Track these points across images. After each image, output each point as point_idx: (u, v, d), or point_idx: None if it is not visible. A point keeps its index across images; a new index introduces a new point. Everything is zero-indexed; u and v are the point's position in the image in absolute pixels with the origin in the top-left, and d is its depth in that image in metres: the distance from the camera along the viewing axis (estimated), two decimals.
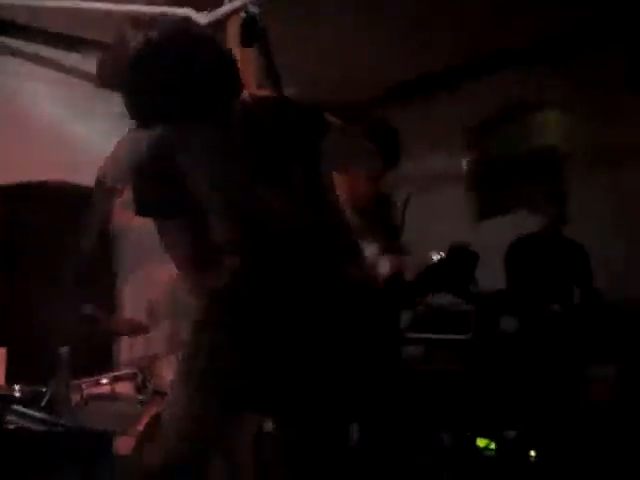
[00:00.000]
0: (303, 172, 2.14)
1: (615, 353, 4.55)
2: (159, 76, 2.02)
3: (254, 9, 2.60)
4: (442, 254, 4.07)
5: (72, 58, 5.49)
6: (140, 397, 3.79)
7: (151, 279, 4.12)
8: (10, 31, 5.32)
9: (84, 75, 5.25)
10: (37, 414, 2.34)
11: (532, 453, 4.47)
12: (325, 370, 2.13)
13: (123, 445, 3.22)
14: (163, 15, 2.20)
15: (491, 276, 4.77)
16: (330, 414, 2.19)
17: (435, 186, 6.19)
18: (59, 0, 4.90)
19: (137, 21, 2.14)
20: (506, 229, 5.49)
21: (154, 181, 1.99)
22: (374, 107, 6.28)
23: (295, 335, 2.07)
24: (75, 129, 5.47)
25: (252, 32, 2.51)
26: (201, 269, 2.04)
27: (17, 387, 3.57)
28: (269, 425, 2.27)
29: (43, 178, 5.18)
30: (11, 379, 3.73)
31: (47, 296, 4.27)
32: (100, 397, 3.80)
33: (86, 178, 5.07)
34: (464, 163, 6.55)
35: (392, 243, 3.49)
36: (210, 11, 4.46)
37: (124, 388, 3.93)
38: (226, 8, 4.34)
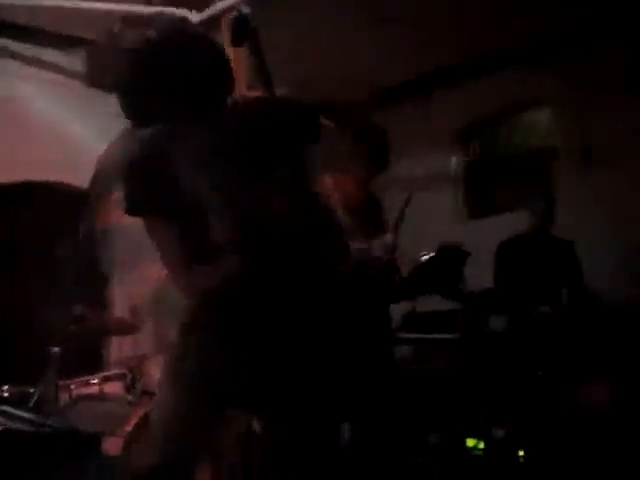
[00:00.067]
0: (292, 172, 2.14)
1: (605, 354, 4.56)
2: (157, 75, 2.02)
3: (246, 9, 2.60)
4: (432, 254, 4.08)
5: (70, 59, 5.48)
6: (129, 397, 3.79)
7: (142, 279, 4.12)
8: (9, 32, 5.30)
9: (80, 75, 5.24)
10: (25, 415, 2.33)
11: (521, 453, 4.47)
12: (314, 370, 2.14)
13: (112, 446, 3.21)
14: (157, 14, 2.18)
15: (480, 276, 4.78)
16: (318, 414, 2.19)
17: (426, 186, 6.20)
18: (57, 0, 4.88)
19: (126, 20, 2.14)
20: (495, 229, 5.51)
21: (145, 180, 1.99)
22: (367, 108, 6.29)
23: (284, 335, 2.07)
24: (73, 129, 5.47)
25: (243, 32, 2.51)
26: (190, 269, 2.03)
27: (5, 387, 3.55)
28: (257, 426, 2.27)
29: (41, 178, 5.19)
30: None
31: (39, 296, 4.27)
32: (89, 397, 3.79)
33: (84, 179, 5.09)
34: (455, 163, 6.57)
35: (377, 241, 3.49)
36: (201, 10, 4.45)
37: (113, 388, 3.92)
38: (218, 7, 4.33)
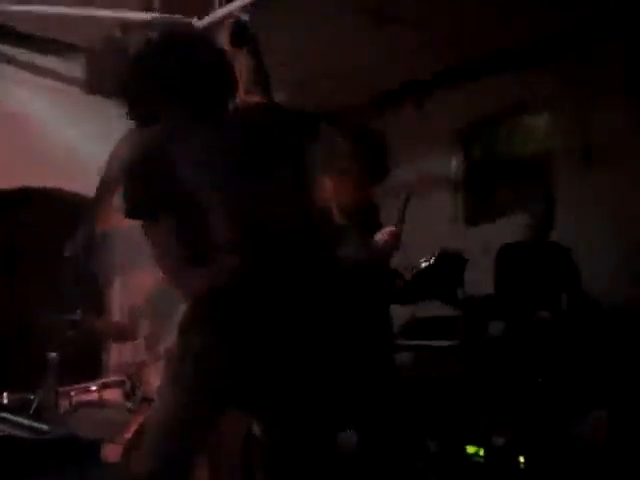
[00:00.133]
0: (292, 174, 2.15)
1: (603, 358, 4.56)
2: (158, 77, 2.03)
3: (245, 16, 2.61)
4: (431, 260, 4.07)
5: (67, 65, 5.48)
6: (128, 404, 3.78)
7: (139, 282, 4.12)
8: (6, 38, 5.31)
9: (79, 82, 5.24)
10: (25, 421, 2.32)
11: (521, 459, 4.46)
12: (313, 372, 2.14)
13: (111, 452, 3.20)
14: (154, 21, 2.20)
15: (480, 281, 4.78)
16: (318, 417, 2.19)
17: (426, 188, 6.20)
18: (52, 7, 4.89)
19: (126, 27, 2.14)
20: (495, 232, 5.51)
21: (144, 182, 1.99)
22: (367, 109, 6.30)
23: (283, 336, 2.07)
24: (70, 135, 5.47)
25: (242, 38, 2.51)
26: (188, 270, 2.04)
27: (5, 394, 3.55)
28: (257, 428, 2.27)
29: (39, 184, 5.20)
30: None
31: (38, 301, 4.27)
32: (88, 404, 3.79)
33: (81, 184, 5.09)
34: (455, 165, 6.57)
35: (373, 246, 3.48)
36: (202, 18, 4.46)
37: (112, 395, 3.92)
38: (217, 14, 4.34)
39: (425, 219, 6.06)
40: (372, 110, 6.29)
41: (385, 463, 3.34)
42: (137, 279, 4.09)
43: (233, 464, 3.45)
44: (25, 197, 5.18)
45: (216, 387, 2.07)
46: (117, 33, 2.07)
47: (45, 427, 2.17)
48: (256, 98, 2.33)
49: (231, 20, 2.64)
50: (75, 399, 3.80)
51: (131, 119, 2.09)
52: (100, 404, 3.82)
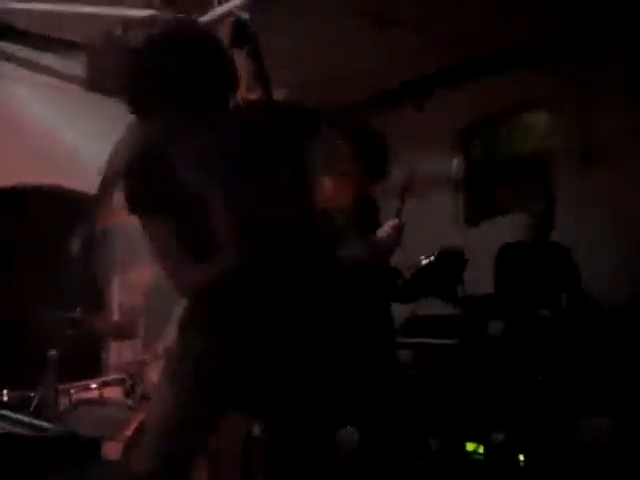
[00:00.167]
0: (292, 175, 2.15)
1: (603, 357, 4.56)
2: (160, 71, 2.02)
3: (245, 14, 2.61)
4: (431, 258, 4.07)
5: (66, 62, 5.48)
6: (129, 402, 3.79)
7: (137, 280, 4.12)
8: (6, 35, 5.31)
9: (78, 79, 5.25)
10: (25, 419, 2.33)
11: (521, 457, 4.47)
12: (313, 372, 2.14)
13: (112, 450, 3.21)
14: (157, 17, 2.20)
15: (480, 280, 4.78)
16: (318, 417, 2.19)
17: (426, 188, 6.20)
18: (52, 4, 4.88)
19: (127, 25, 2.14)
20: (496, 231, 5.51)
21: (144, 178, 1.99)
22: (367, 110, 6.29)
23: (284, 337, 2.07)
24: (68, 133, 5.47)
25: (242, 37, 2.51)
26: (186, 267, 2.04)
27: (5, 392, 3.55)
28: (257, 429, 2.27)
29: (36, 181, 5.20)
30: None
31: (37, 299, 4.27)
32: (89, 402, 3.80)
33: (79, 182, 5.09)
34: (455, 165, 6.58)
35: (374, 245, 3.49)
36: (201, 16, 4.45)
37: (113, 393, 3.92)
38: (217, 13, 4.33)
39: (425, 219, 6.07)
40: (372, 111, 6.29)
41: (386, 461, 3.35)
42: (137, 276, 4.09)
43: (233, 466, 3.45)
44: (23, 194, 5.19)
45: (216, 389, 2.07)
46: (117, 31, 2.07)
47: (45, 424, 2.17)
48: (257, 95, 2.33)
49: (231, 19, 2.64)
50: (75, 397, 3.80)
51: (132, 113, 2.09)
52: (100, 402, 3.83)
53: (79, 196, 5.09)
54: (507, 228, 5.29)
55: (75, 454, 2.09)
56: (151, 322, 3.94)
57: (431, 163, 6.41)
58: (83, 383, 3.93)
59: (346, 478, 3.30)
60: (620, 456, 4.20)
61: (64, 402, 3.72)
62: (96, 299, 5.10)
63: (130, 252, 3.70)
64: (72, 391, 3.82)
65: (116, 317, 4.96)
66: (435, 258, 4.04)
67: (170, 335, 2.15)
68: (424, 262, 3.99)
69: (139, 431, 3.36)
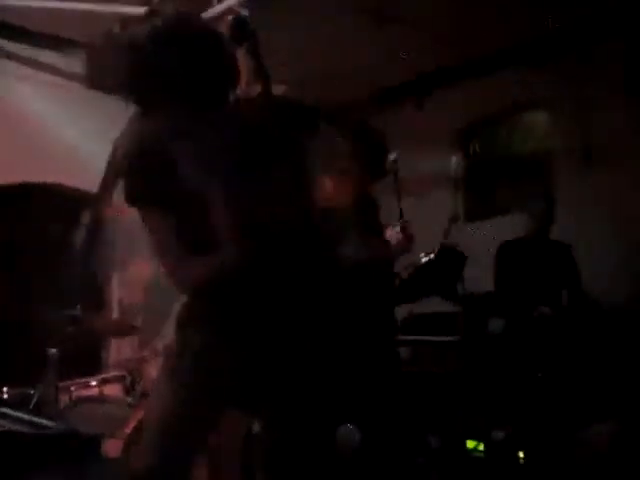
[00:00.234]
0: (292, 173, 2.15)
1: (603, 355, 4.56)
2: (161, 64, 2.02)
3: (244, 11, 2.60)
4: (431, 255, 4.08)
5: (68, 60, 5.48)
6: (128, 399, 3.79)
7: (138, 275, 4.12)
8: (6, 33, 5.31)
9: (79, 77, 5.25)
10: (25, 416, 2.33)
11: (521, 454, 4.47)
12: (313, 369, 2.14)
13: (112, 448, 3.21)
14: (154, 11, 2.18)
15: (480, 277, 4.78)
16: (319, 414, 2.19)
17: (426, 187, 6.20)
18: (52, 2, 4.88)
19: (126, 22, 2.14)
20: (495, 230, 5.51)
21: (144, 173, 1.99)
22: (367, 108, 6.30)
23: (283, 335, 2.07)
24: (71, 131, 5.47)
25: (241, 34, 2.51)
26: (185, 262, 2.03)
27: (5, 389, 3.55)
28: (257, 426, 2.27)
29: (37, 179, 5.20)
30: None
31: (38, 297, 4.27)
32: (89, 399, 3.80)
33: (81, 180, 5.09)
34: (455, 164, 6.57)
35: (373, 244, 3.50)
36: (200, 13, 4.45)
37: (113, 390, 3.93)
38: (216, 10, 4.33)
39: (425, 218, 6.06)
40: (372, 109, 6.29)
41: (386, 459, 3.35)
42: (136, 271, 4.09)
43: (233, 464, 3.45)
44: (25, 192, 5.19)
45: (215, 385, 2.07)
46: (116, 28, 2.07)
47: (45, 422, 2.17)
48: (257, 90, 2.32)
49: (231, 16, 2.64)
50: (75, 394, 3.80)
51: (133, 104, 2.08)
52: (100, 399, 3.83)
53: (81, 194, 5.10)
54: (507, 227, 5.29)
55: (75, 452, 2.09)
56: (150, 318, 3.94)
57: (431, 162, 6.41)
58: (83, 380, 3.93)
59: (346, 476, 3.30)
60: (620, 454, 4.20)
61: (64, 399, 3.72)
62: (96, 297, 5.10)
63: (130, 246, 3.71)
64: (72, 388, 3.82)
65: (116, 315, 4.96)
66: (435, 256, 4.04)
67: (169, 332, 2.15)
68: (424, 260, 3.99)
69: (139, 429, 3.36)
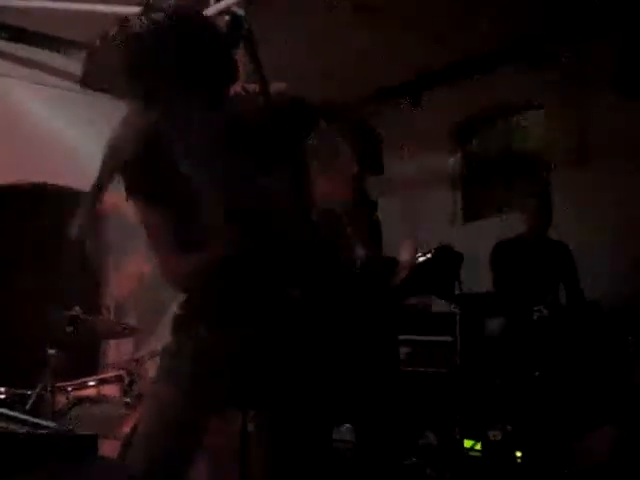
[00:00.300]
0: (291, 171, 2.15)
1: (602, 354, 4.57)
2: (161, 57, 2.01)
3: (240, 11, 2.60)
4: (428, 255, 4.08)
5: (66, 61, 5.47)
6: (126, 399, 3.78)
7: (133, 273, 4.12)
8: (5, 34, 5.31)
9: (74, 77, 5.24)
10: (22, 417, 2.33)
11: (518, 454, 4.48)
12: (312, 369, 2.14)
13: (109, 448, 3.21)
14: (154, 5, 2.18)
15: (477, 277, 4.78)
16: (315, 413, 2.19)
17: (423, 186, 6.20)
18: (52, 2, 4.88)
19: (123, 22, 2.13)
20: (493, 230, 5.52)
21: (142, 168, 1.99)
22: (364, 107, 6.29)
23: (280, 332, 2.07)
24: (69, 132, 5.47)
25: (238, 33, 2.51)
26: (180, 257, 2.03)
27: (2, 389, 3.55)
28: (252, 425, 2.27)
29: (36, 179, 5.20)
30: None
31: (36, 297, 4.27)
32: (86, 399, 3.79)
33: (80, 181, 5.08)
34: (452, 163, 6.58)
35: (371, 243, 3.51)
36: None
37: (110, 390, 3.92)
38: (212, 10, 4.33)
39: (423, 216, 6.08)
40: (370, 108, 6.29)
41: (383, 458, 3.36)
42: (133, 268, 4.09)
43: (231, 464, 3.44)
44: (24, 192, 5.18)
45: (211, 385, 2.07)
46: (114, 28, 2.06)
47: (43, 422, 2.17)
48: (255, 89, 2.32)
49: (227, 15, 2.64)
50: (73, 394, 3.80)
51: (130, 102, 2.08)
52: (98, 399, 3.82)
53: (77, 194, 5.09)
54: (505, 226, 5.29)
55: (72, 452, 2.09)
56: (146, 318, 3.94)
57: (428, 160, 6.42)
58: (81, 381, 3.93)
59: (343, 475, 3.30)
60: (618, 455, 4.20)
61: (62, 400, 3.71)
62: (94, 297, 5.10)
63: (125, 244, 3.70)
64: (69, 389, 3.82)
65: (113, 315, 4.96)
66: (432, 255, 4.05)
67: (165, 332, 2.15)
68: (421, 259, 3.99)
69: (136, 429, 3.36)
